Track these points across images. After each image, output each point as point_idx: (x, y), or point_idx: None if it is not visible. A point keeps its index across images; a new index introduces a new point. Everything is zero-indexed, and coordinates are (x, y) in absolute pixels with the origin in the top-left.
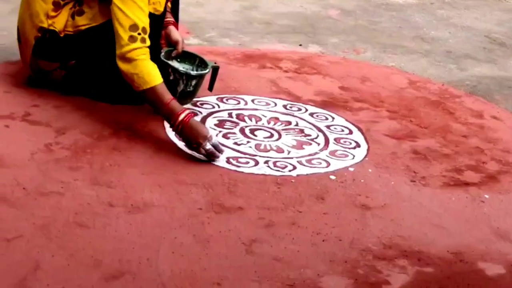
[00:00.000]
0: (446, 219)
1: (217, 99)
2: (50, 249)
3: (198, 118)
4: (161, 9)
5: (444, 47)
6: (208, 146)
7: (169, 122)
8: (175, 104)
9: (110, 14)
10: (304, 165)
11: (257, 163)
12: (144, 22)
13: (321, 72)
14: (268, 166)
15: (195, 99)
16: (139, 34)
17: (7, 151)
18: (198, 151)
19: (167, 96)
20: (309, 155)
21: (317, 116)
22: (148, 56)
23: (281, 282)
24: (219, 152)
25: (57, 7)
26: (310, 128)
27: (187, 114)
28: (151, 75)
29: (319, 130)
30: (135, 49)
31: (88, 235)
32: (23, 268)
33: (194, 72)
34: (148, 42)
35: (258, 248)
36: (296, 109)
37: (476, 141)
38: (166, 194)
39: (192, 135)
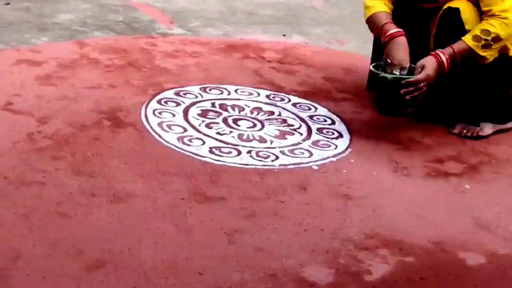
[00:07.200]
0: (428, 209)
1: (200, 88)
2: (31, 239)
3: (180, 108)
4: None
5: None
6: (394, 72)
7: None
8: (389, 26)
9: None
10: (287, 155)
11: (239, 153)
12: None
13: (304, 62)
14: (251, 156)
15: (178, 89)
16: None
17: None
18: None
19: (383, 20)
20: (292, 145)
21: (300, 106)
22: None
23: (263, 271)
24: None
25: None
26: (293, 118)
27: (395, 32)
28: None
29: (302, 120)
30: None
31: (69, 224)
32: (4, 257)
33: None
34: None
35: (240, 238)
36: (279, 99)
37: None
38: (148, 184)
39: (389, 54)
